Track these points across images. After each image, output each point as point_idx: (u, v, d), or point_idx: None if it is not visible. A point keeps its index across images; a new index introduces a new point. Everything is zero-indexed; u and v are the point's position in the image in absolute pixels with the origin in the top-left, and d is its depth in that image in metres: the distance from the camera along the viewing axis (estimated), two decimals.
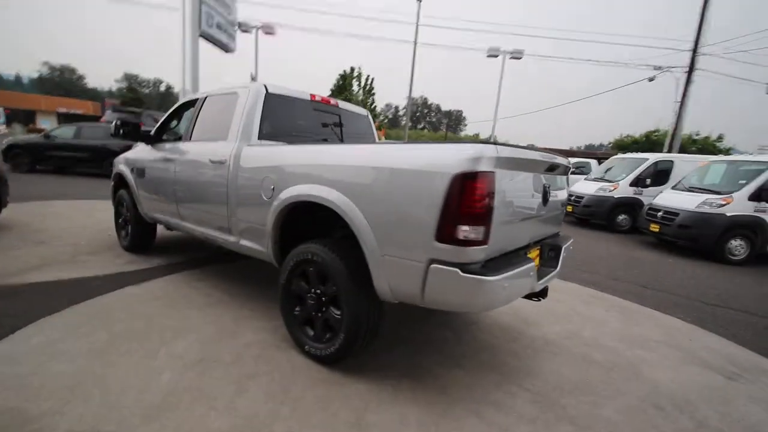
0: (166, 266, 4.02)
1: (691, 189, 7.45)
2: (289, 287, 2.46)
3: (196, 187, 3.20)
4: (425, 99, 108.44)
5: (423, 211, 1.78)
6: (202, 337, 2.55)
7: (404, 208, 1.85)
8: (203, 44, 14.01)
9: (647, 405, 2.23)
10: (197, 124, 3.43)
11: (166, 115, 3.98)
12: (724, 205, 6.53)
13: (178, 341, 2.47)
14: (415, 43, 18.04)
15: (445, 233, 1.72)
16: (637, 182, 9.11)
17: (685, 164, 8.96)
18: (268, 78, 18.96)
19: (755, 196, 6.42)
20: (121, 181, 4.51)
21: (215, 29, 14.48)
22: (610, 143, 38.94)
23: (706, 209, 6.61)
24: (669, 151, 15.34)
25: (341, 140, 3.57)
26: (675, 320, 3.71)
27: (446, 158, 1.72)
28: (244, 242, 2.85)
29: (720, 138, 30.03)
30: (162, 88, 79.58)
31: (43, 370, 2.06)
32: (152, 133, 3.97)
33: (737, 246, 6.53)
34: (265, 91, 2.96)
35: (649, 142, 30.29)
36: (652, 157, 9.38)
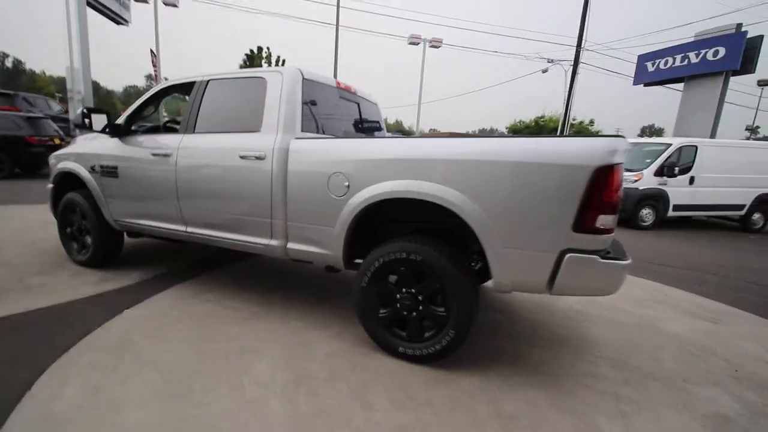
0: (152, 279, 3.43)
1: None
2: (371, 289, 2.31)
3: (216, 186, 2.76)
4: None
5: (558, 203, 1.83)
6: (275, 356, 2.27)
7: (534, 201, 1.87)
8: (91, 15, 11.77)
9: (686, 353, 2.66)
10: (201, 113, 2.93)
11: (139, 102, 3.31)
12: (636, 180, 7.83)
13: (253, 365, 2.16)
14: (337, 25, 17.55)
15: (585, 223, 1.80)
16: (663, 171, 7.83)
17: (708, 149, 8.08)
18: (168, 56, 16.60)
19: (659, 172, 7.82)
20: (67, 183, 3.66)
21: None
22: (506, 128, 43.25)
23: (626, 185, 7.86)
24: (561, 135, 17.64)
25: (362, 130, 3.40)
26: (642, 280, 4.41)
27: (586, 151, 1.79)
28: (296, 246, 2.57)
29: (591, 122, 35.50)
30: (8, 63, 64.53)
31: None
32: (121, 123, 3.27)
33: (646, 214, 7.94)
34: (302, 77, 2.66)
35: (537, 127, 34.52)
36: (676, 142, 8.05)
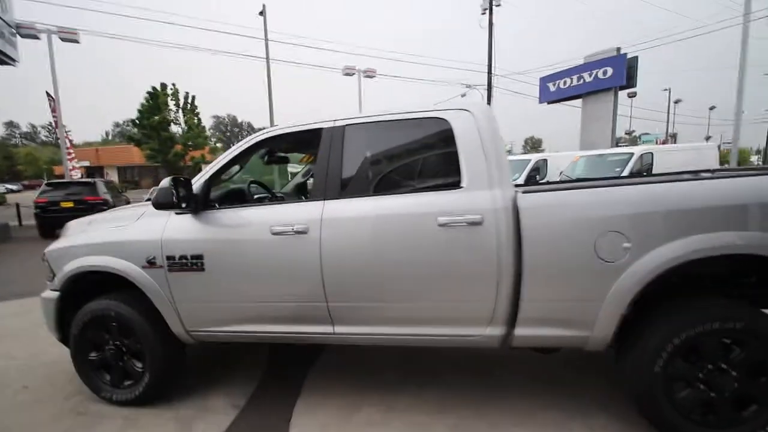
0: (252, 405, 2.44)
1: (579, 179, 9.34)
2: (665, 373, 1.82)
3: (396, 268, 2.03)
4: (234, 117, 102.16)
5: None
6: None
7: None
8: None
9: None
10: (347, 170, 2.18)
11: (221, 162, 2.38)
12: None
13: None
14: (267, 58, 16.68)
15: None
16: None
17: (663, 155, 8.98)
18: (66, 98, 13.88)
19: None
20: (82, 289, 2.51)
21: None
22: None
23: None
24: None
25: None
26: None
27: None
28: (527, 331, 1.97)
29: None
30: None
31: None
32: (198, 192, 2.32)
33: None
34: (491, 114, 2.12)
35: None
36: (638, 150, 8.97)
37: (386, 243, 2.03)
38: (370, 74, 18.40)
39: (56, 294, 2.52)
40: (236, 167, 2.61)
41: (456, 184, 2.01)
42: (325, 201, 2.15)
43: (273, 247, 2.15)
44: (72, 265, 2.45)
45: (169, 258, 2.29)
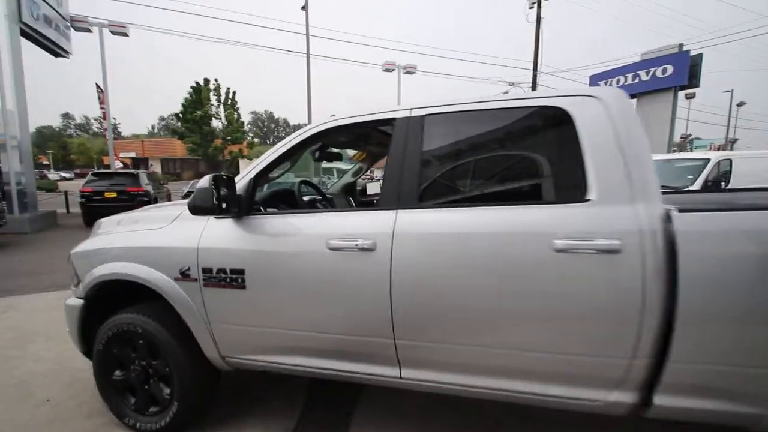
0: None
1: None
2: None
3: (496, 300, 1.54)
4: (271, 113, 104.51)
5: None
6: None
7: None
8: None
9: None
10: (427, 171, 1.72)
11: (271, 156, 1.98)
12: None
13: None
14: (308, 54, 16.51)
15: None
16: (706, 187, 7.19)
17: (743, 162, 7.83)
18: (116, 91, 14.37)
19: (704, 188, 7.62)
20: (110, 297, 2.19)
21: (41, 23, 10.17)
22: None
23: None
24: None
25: None
26: None
27: None
28: (678, 402, 1.44)
29: None
30: None
31: None
32: (242, 194, 1.92)
33: None
34: (627, 102, 1.59)
35: None
36: (714, 156, 7.78)
37: (479, 270, 1.55)
38: (410, 70, 17.87)
39: (80, 302, 2.22)
40: (287, 164, 2.20)
41: (580, 196, 1.49)
42: (399, 211, 1.69)
43: (329, 266, 1.72)
44: (97, 272, 2.13)
45: (205, 270, 1.91)
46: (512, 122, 1.70)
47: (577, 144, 1.52)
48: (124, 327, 2.09)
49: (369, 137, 2.53)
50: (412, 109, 1.79)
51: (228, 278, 1.87)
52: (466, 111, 1.73)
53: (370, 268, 1.66)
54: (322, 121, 1.96)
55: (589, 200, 1.47)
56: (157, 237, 2.06)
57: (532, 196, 1.62)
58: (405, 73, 17.93)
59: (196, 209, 1.75)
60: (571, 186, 1.53)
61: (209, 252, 1.91)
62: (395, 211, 1.69)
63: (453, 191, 1.74)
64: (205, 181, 1.70)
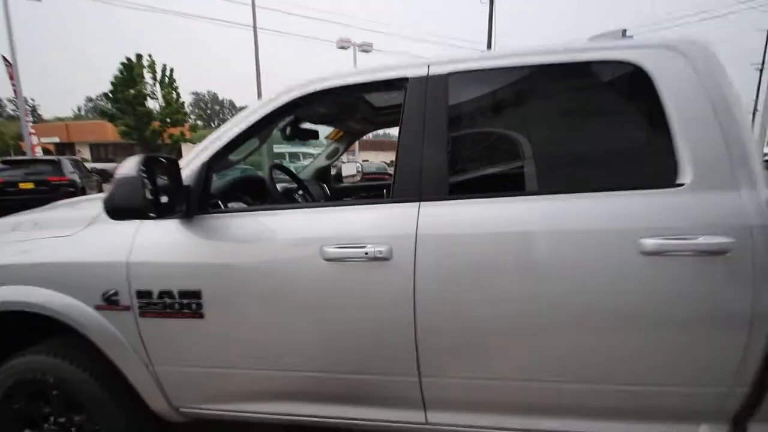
0: None
1: None
2: None
3: (563, 319, 1.15)
4: (214, 94, 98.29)
5: None
6: None
7: None
8: None
9: None
10: (457, 152, 1.28)
11: (229, 134, 1.41)
12: None
13: None
14: (255, 26, 15.18)
15: None
16: None
17: None
18: (33, 67, 11.98)
19: None
20: (8, 333, 1.56)
21: None
22: None
23: None
24: None
25: None
26: None
27: None
28: None
29: None
30: None
31: None
32: (191, 185, 1.36)
33: None
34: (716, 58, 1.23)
35: None
36: None
37: (537, 280, 1.14)
38: (366, 49, 17.10)
39: None
40: (254, 142, 1.63)
41: (668, 179, 1.12)
42: (421, 204, 1.23)
43: (326, 283, 1.23)
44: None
45: (141, 294, 1.34)
46: (566, 82, 1.29)
47: (660, 110, 1.14)
48: (28, 375, 1.49)
49: (354, 109, 2.03)
50: (429, 65, 1.31)
51: (176, 304, 1.32)
52: (502, 68, 1.29)
53: (384, 285, 1.20)
54: (300, 83, 1.43)
55: (681, 184, 1.11)
56: (67, 248, 1.44)
57: (601, 182, 1.23)
58: (361, 51, 17.13)
59: (117, 211, 1.17)
60: (652, 165, 1.17)
61: (146, 268, 1.34)
62: (416, 204, 1.23)
63: (491, 177, 1.31)
64: (130, 167, 1.12)
